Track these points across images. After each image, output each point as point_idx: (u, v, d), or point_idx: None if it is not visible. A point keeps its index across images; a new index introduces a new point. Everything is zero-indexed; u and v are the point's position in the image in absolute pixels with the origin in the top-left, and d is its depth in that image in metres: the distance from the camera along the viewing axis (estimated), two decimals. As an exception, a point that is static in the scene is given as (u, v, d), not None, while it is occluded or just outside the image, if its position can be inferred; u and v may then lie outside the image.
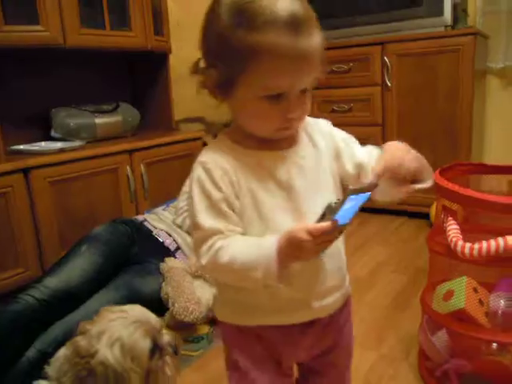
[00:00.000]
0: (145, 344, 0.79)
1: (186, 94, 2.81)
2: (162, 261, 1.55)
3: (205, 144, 2.37)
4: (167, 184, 2.10)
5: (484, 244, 0.91)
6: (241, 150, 0.67)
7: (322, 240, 0.57)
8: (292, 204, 0.67)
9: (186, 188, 1.84)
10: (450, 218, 1.01)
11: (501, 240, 0.89)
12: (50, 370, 0.79)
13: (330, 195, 0.69)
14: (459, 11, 2.38)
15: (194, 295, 1.43)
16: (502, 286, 1.14)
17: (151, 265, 1.54)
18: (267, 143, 0.68)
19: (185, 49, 2.63)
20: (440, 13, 2.29)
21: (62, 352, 0.80)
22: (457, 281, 1.16)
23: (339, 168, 0.73)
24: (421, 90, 2.33)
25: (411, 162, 0.64)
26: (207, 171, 0.65)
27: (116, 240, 1.54)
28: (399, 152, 0.65)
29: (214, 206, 0.64)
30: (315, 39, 0.61)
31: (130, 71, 2.43)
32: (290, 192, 0.67)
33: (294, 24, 0.59)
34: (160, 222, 1.75)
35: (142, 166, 1.98)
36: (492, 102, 2.69)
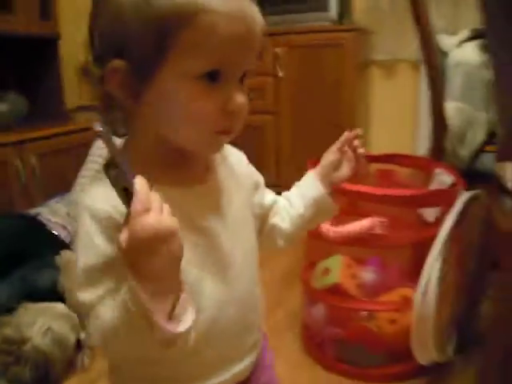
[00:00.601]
0: (71, 337, 0.88)
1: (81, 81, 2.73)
2: (58, 254, 1.55)
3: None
4: (62, 176, 2.06)
5: (341, 228, 1.05)
6: None
7: None
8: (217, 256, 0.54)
9: (82, 180, 1.83)
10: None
11: (357, 224, 1.03)
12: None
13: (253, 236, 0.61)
14: (344, 7, 2.57)
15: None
16: (372, 262, 1.31)
17: (47, 258, 1.53)
18: (180, 173, 0.53)
19: (82, 32, 2.56)
20: (325, 8, 2.46)
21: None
22: (333, 258, 1.31)
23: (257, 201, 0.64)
24: (309, 81, 2.49)
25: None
26: (96, 221, 0.47)
27: (7, 235, 1.51)
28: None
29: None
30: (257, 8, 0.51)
31: (17, 58, 2.31)
32: (212, 241, 0.54)
33: None
34: (54, 214, 1.73)
35: (34, 158, 1.92)
36: (375, 92, 2.94)
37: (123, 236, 0.40)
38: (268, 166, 2.63)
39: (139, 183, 0.40)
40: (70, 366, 0.86)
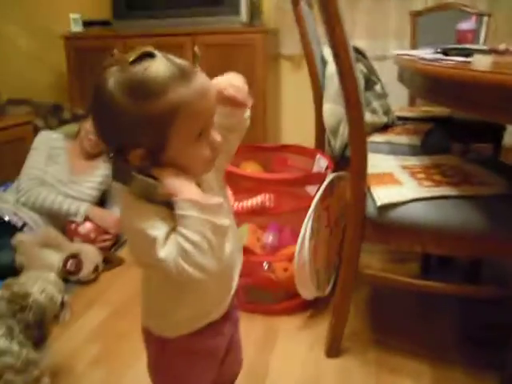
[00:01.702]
0: (58, 297, 1.23)
1: (10, 73, 2.87)
2: (12, 237, 1.82)
3: (36, 128, 2.54)
4: (2, 169, 2.27)
5: (242, 203, 1.45)
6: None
7: None
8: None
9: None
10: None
11: (251, 200, 1.44)
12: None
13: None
14: (254, 9, 2.93)
15: (45, 261, 1.75)
16: (271, 227, 1.72)
17: (2, 240, 1.79)
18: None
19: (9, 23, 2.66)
20: (237, 12, 2.80)
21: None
22: (241, 227, 1.69)
23: None
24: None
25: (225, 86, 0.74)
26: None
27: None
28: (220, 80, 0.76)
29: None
30: (204, 75, 0.68)
31: None
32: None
33: (186, 72, 0.65)
34: (3, 202, 1.98)
35: (-24, 153, 2.14)
36: (285, 83, 3.32)
37: (167, 188, 0.67)
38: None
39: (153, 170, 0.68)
40: (55, 319, 1.23)
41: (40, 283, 1.19)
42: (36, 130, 2.43)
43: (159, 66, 0.65)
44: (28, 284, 1.18)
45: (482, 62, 1.01)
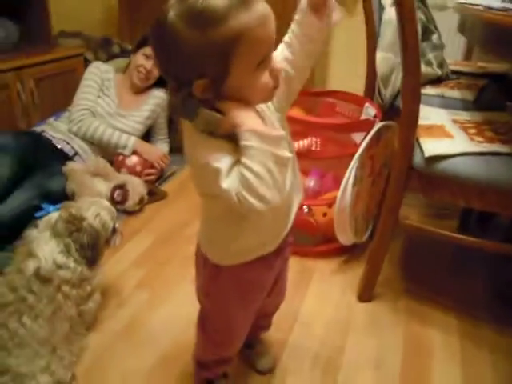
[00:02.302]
0: (110, 223, 1.31)
1: (62, 5, 2.89)
2: (64, 164, 1.90)
3: (86, 61, 2.58)
4: (54, 99, 2.34)
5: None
6: None
7: None
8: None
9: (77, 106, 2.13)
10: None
11: (298, 142, 1.45)
12: (40, 223, 1.24)
13: None
14: None
15: (93, 189, 1.84)
16: (314, 173, 1.74)
17: (55, 168, 1.88)
18: None
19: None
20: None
21: (57, 213, 1.25)
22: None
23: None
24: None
25: None
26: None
27: (22, 147, 1.83)
28: None
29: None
30: (263, 2, 0.68)
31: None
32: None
33: (246, 0, 0.65)
34: (56, 131, 2.06)
35: (32, 82, 2.20)
36: (337, 27, 3.20)
37: (230, 120, 0.68)
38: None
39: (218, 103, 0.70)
40: (107, 243, 1.32)
41: (94, 208, 1.26)
42: (86, 63, 2.47)
43: None
44: (83, 208, 1.25)
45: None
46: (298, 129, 1.55)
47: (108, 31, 3.05)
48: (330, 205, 1.58)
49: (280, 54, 0.80)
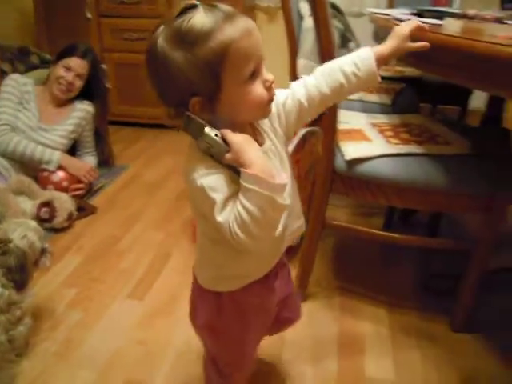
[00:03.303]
0: (38, 244, 1.27)
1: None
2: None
3: (2, 72, 2.46)
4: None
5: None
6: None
7: None
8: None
9: None
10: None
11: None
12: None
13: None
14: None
15: (18, 208, 1.76)
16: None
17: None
18: None
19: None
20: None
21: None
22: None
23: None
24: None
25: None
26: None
27: None
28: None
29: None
30: (246, 16, 0.70)
31: None
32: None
33: (229, 14, 0.68)
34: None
35: None
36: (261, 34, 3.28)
37: (234, 154, 0.68)
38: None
39: (224, 130, 0.70)
40: (36, 265, 1.27)
41: (20, 230, 1.22)
42: (3, 75, 2.35)
43: (202, 12, 0.67)
44: (9, 230, 1.20)
45: (452, 26, 1.05)
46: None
47: (24, 40, 2.93)
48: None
49: (304, 85, 0.83)
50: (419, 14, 1.43)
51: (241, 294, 0.86)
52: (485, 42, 0.88)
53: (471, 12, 1.12)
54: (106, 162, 2.41)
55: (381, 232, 1.44)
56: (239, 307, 0.88)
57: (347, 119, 1.46)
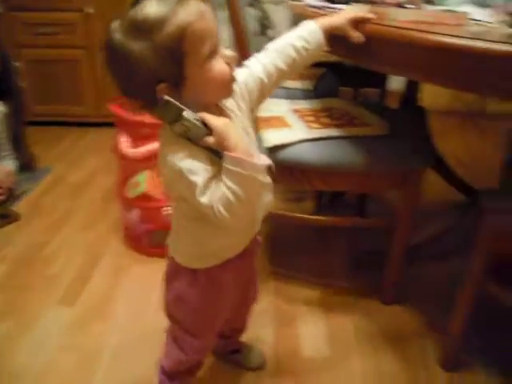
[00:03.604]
0: None
1: None
2: None
3: None
4: None
5: (139, 149, 1.46)
6: None
7: None
8: None
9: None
10: (122, 135, 1.52)
11: (147, 146, 1.45)
12: None
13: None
14: None
15: None
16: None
17: None
18: None
19: None
20: None
21: None
22: (141, 174, 1.69)
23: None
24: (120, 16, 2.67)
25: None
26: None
27: None
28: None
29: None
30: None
31: None
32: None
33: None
34: None
35: None
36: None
37: (213, 136, 0.71)
38: (87, 100, 2.84)
39: (202, 114, 0.72)
40: None
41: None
42: None
43: (155, 1, 0.68)
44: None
45: (360, 8, 1.07)
46: (148, 132, 1.53)
47: None
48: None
49: (260, 62, 0.88)
50: (332, 1, 1.46)
51: (216, 271, 0.89)
52: (388, 26, 0.92)
53: (376, -4, 1.16)
54: (27, 165, 2.28)
55: (310, 216, 1.48)
56: (214, 282, 0.90)
57: (270, 107, 1.47)
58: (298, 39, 0.90)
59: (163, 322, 1.01)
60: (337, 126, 1.35)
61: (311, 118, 1.40)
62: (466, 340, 1.22)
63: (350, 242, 1.81)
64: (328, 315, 1.44)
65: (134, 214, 1.69)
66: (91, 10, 2.66)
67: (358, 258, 1.72)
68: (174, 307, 0.96)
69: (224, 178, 0.71)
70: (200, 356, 1.06)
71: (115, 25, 0.70)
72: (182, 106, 0.71)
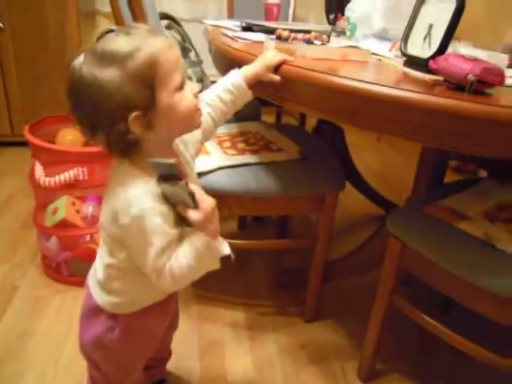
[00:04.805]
0: None
1: None
2: None
3: None
4: None
5: (53, 178, 1.42)
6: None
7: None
8: None
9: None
10: (36, 162, 1.47)
11: (61, 175, 1.42)
12: None
13: None
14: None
15: None
16: (91, 198, 1.69)
17: None
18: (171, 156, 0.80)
19: None
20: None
21: None
22: (60, 200, 1.64)
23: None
24: (32, 30, 2.56)
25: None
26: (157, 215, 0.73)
27: None
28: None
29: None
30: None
31: None
32: None
33: (150, 30, 0.73)
34: None
35: None
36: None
37: (198, 215, 0.72)
38: (0, 118, 2.70)
39: (195, 187, 0.72)
40: None
41: None
42: None
43: (123, 33, 0.70)
44: None
45: (268, 46, 1.12)
46: (64, 159, 1.50)
47: None
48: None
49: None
50: (249, 28, 1.51)
51: (139, 316, 0.88)
52: (298, 67, 0.97)
53: (284, 34, 1.21)
54: None
55: (233, 240, 1.49)
56: (135, 329, 0.89)
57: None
58: (226, 93, 0.97)
59: (82, 359, 0.99)
60: (252, 151, 1.39)
61: (228, 144, 1.44)
62: (381, 351, 1.29)
63: (271, 260, 1.85)
64: (252, 335, 1.47)
65: (52, 242, 1.64)
66: (0, 25, 2.53)
67: (279, 275, 1.76)
68: (92, 349, 0.92)
69: (187, 254, 0.73)
70: None
71: (79, 59, 0.71)
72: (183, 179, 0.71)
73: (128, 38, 0.70)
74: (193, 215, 0.72)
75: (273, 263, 1.84)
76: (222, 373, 1.33)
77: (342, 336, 1.49)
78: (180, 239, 0.75)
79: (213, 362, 1.36)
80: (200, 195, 0.73)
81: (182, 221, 0.74)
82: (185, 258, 0.73)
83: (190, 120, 0.79)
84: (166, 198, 0.73)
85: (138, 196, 0.73)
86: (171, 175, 0.70)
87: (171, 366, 1.27)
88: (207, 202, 0.73)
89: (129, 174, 0.75)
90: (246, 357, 1.39)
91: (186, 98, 0.75)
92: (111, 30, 0.72)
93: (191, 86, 0.77)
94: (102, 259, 0.86)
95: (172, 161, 0.69)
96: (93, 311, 0.89)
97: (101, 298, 0.87)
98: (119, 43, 0.69)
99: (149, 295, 0.88)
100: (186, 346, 1.40)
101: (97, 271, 0.88)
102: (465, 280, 1.00)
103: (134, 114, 0.70)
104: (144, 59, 0.69)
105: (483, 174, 2.48)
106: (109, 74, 0.68)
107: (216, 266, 0.78)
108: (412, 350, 1.46)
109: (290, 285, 1.70)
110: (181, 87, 0.74)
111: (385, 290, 1.20)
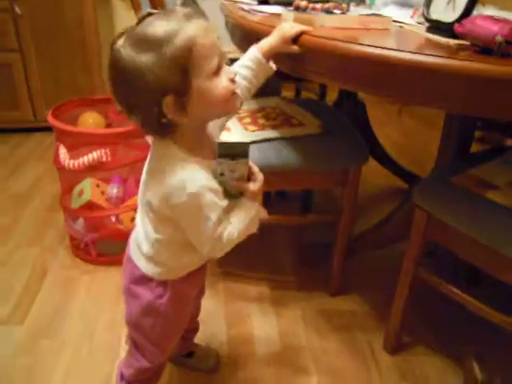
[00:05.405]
0: None
1: None
2: None
3: None
4: None
5: (78, 160, 1.44)
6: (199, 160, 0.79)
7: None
8: None
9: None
10: (61, 145, 1.48)
11: (85, 157, 1.43)
12: None
13: None
14: None
15: None
16: (115, 180, 1.72)
17: None
18: (204, 152, 0.81)
19: None
20: None
21: None
22: (85, 181, 1.67)
23: None
24: (50, 16, 2.57)
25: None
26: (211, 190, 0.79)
27: None
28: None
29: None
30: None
31: None
32: None
33: (187, 15, 0.72)
34: None
35: None
36: (121, 23, 3.17)
37: (256, 185, 0.83)
38: (23, 104, 2.73)
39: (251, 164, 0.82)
40: None
41: None
42: None
43: (162, 17, 0.71)
44: None
45: (286, 17, 1.10)
46: (86, 141, 1.51)
47: None
48: (136, 209, 1.59)
49: None
50: (265, 1, 1.48)
51: (183, 281, 0.93)
52: (318, 36, 0.95)
53: (303, 4, 1.19)
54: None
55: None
56: (180, 293, 0.94)
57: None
58: (246, 69, 0.96)
59: (115, 334, 1.01)
60: (272, 126, 1.38)
61: (248, 120, 1.43)
62: (407, 323, 1.29)
63: (295, 236, 1.86)
64: (277, 311, 1.48)
65: (80, 224, 1.67)
66: (18, 11, 2.54)
67: (303, 250, 1.77)
68: (141, 318, 0.96)
69: (242, 219, 0.83)
70: (162, 363, 1.07)
71: (119, 42, 0.72)
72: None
73: (165, 22, 0.71)
74: (252, 186, 0.82)
75: (296, 239, 1.84)
76: (249, 343, 1.36)
77: (367, 309, 1.49)
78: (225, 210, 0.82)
79: (240, 334, 1.39)
80: (255, 169, 0.83)
81: (226, 193, 0.81)
82: (240, 223, 0.82)
83: (226, 104, 0.79)
84: (222, 174, 0.79)
85: (190, 176, 0.77)
86: (243, 153, 0.78)
87: (199, 339, 1.30)
88: (261, 175, 0.83)
89: (177, 156, 0.78)
90: (272, 328, 1.41)
91: (220, 83, 0.75)
92: (150, 14, 0.73)
93: (228, 71, 0.77)
94: (146, 234, 0.88)
95: (247, 141, 0.78)
96: (140, 281, 0.93)
97: (149, 268, 0.91)
98: (157, 28, 0.70)
99: (193, 261, 0.93)
100: (214, 321, 1.43)
101: (141, 245, 0.90)
102: (494, 249, 0.98)
103: (168, 97, 0.72)
104: (180, 44, 0.70)
105: (509, 143, 2.42)
106: (145, 58, 0.70)
107: (255, 229, 0.87)
108: (438, 322, 1.45)
109: (314, 259, 1.70)
110: (217, 72, 0.75)
111: (411, 261, 1.19)
